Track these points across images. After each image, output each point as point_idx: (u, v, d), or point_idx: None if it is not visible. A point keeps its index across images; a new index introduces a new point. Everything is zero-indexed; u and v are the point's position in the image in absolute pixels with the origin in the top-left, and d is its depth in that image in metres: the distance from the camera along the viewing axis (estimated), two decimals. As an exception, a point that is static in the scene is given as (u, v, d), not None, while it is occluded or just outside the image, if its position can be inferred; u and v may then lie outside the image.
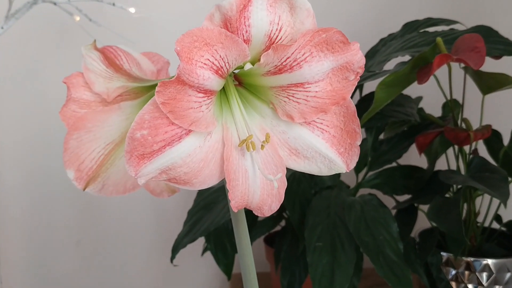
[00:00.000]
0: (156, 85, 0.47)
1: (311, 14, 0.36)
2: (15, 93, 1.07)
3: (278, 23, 0.36)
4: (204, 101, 0.36)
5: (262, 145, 0.38)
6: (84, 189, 0.47)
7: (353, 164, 0.40)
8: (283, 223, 0.92)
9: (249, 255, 0.47)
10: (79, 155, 0.47)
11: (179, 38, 0.32)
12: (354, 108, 0.39)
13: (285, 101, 0.39)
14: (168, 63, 0.55)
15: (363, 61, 0.37)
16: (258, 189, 0.39)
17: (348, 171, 0.40)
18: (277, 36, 0.36)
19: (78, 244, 1.15)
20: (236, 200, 0.38)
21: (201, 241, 0.94)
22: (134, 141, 0.35)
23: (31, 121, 1.09)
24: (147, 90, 0.49)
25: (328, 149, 0.40)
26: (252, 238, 0.86)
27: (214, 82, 0.35)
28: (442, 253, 0.80)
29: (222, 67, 0.35)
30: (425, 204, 0.81)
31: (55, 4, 0.88)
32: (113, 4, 0.89)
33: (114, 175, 0.48)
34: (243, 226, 0.44)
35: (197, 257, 1.05)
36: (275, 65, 0.37)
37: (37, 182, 1.11)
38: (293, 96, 0.38)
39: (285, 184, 0.40)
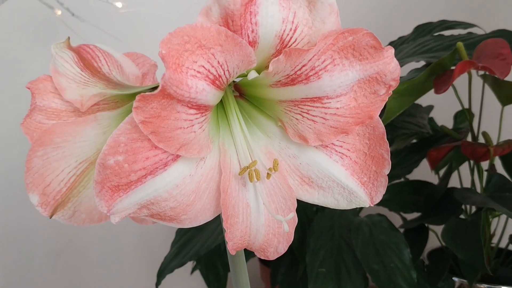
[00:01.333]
0: (138, 92, 0.40)
1: (335, 11, 0.28)
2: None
3: (292, 22, 0.28)
4: (196, 119, 0.28)
5: (268, 173, 0.31)
6: (50, 217, 0.40)
7: (378, 197, 0.33)
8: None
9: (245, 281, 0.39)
10: (45, 176, 0.39)
11: (165, 38, 0.25)
12: (383, 129, 0.32)
13: (297, 119, 0.31)
14: (156, 66, 0.47)
15: (398, 71, 0.29)
16: (262, 227, 0.31)
17: (372, 205, 0.33)
18: (290, 38, 0.28)
19: (59, 255, 1.08)
20: (235, 242, 0.30)
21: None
22: (106, 169, 0.27)
23: (7, 121, 1.01)
24: (129, 99, 0.41)
25: (348, 178, 0.32)
26: (247, 256, 0.79)
27: (210, 95, 0.27)
28: (454, 278, 0.73)
29: (220, 76, 0.27)
30: (437, 225, 0.74)
31: (33, -4, 0.80)
32: (98, -2, 0.81)
33: (88, 200, 0.40)
34: (243, 269, 0.36)
35: (186, 276, 0.97)
36: (287, 74, 0.29)
37: (13, 185, 1.03)
38: (307, 113, 0.31)
39: (295, 222, 0.32)
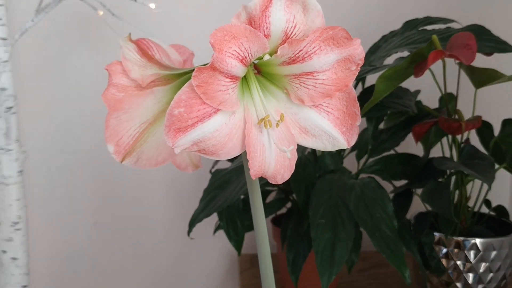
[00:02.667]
0: (183, 73, 0.55)
1: (321, 15, 0.43)
2: (39, 84, 1.14)
3: (293, 21, 0.43)
4: (230, 85, 0.43)
5: (277, 123, 0.46)
6: (121, 162, 0.55)
7: (353, 141, 0.47)
8: (289, 205, 0.99)
9: (262, 219, 0.54)
10: (118, 132, 0.54)
11: (213, 32, 0.40)
12: (355, 94, 0.46)
13: (297, 87, 0.46)
14: (193, 55, 0.62)
15: (363, 54, 0.44)
16: (273, 160, 0.46)
17: (348, 147, 0.48)
18: (292, 32, 0.43)
19: (95, 225, 1.23)
20: (255, 169, 0.45)
21: (212, 224, 1.02)
22: (172, 117, 0.42)
23: (53, 111, 1.16)
24: (176, 77, 0.56)
25: (332, 128, 0.47)
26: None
27: (239, 69, 0.42)
28: (434, 233, 0.88)
29: (246, 57, 0.42)
30: (420, 188, 0.88)
31: (81, -1, 0.95)
32: (135, 0, 0.96)
33: (147, 150, 0.55)
34: (258, 194, 0.51)
35: (208, 240, 1.13)
36: (290, 57, 0.44)
37: (57, 168, 1.19)
38: (304, 83, 0.46)
39: (295, 157, 0.47)
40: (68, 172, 1.20)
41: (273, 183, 0.47)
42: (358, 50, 0.44)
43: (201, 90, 0.41)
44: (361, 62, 0.45)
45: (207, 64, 0.41)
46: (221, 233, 1.03)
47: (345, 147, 0.47)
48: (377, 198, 0.78)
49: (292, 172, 0.47)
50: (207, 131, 0.43)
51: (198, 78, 0.41)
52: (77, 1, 0.98)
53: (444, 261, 0.87)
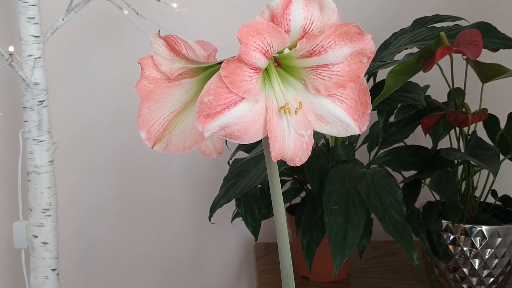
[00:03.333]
0: (208, 66, 0.60)
1: (336, 12, 0.48)
2: (67, 80, 1.20)
3: (310, 19, 0.48)
4: (254, 76, 0.48)
5: (295, 110, 0.51)
6: (152, 147, 0.60)
7: (364, 128, 0.52)
8: (303, 194, 1.04)
9: (280, 202, 0.59)
10: (149, 120, 0.59)
11: (240, 28, 0.45)
12: (366, 85, 0.51)
13: (313, 78, 0.51)
14: (216, 50, 0.67)
15: (374, 48, 0.49)
16: (292, 144, 0.51)
17: (360, 133, 0.53)
18: (309, 28, 0.48)
19: (119, 214, 1.29)
20: (275, 152, 0.50)
21: (229, 215, 1.07)
22: (202, 104, 0.48)
23: (80, 105, 1.22)
24: (202, 70, 0.61)
25: (345, 116, 0.52)
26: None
27: (262, 62, 0.48)
28: (442, 221, 0.92)
29: (268, 51, 0.47)
30: (428, 178, 0.93)
31: (108, -1, 1.01)
32: (158, 0, 1.02)
33: (176, 137, 0.61)
34: (277, 179, 0.57)
35: (225, 230, 1.18)
36: (307, 50, 0.49)
37: (84, 159, 1.25)
38: (320, 75, 0.51)
39: (312, 141, 0.52)
40: (93, 163, 1.26)
41: (291, 165, 0.52)
42: (369, 44, 0.49)
43: (228, 80, 0.46)
44: (372, 55, 0.50)
45: (234, 57, 0.46)
46: (237, 224, 1.09)
47: (357, 133, 0.52)
48: (387, 186, 0.82)
49: (309, 155, 0.52)
50: (233, 117, 0.48)
51: (226, 69, 0.46)
52: (103, 1, 1.04)
53: (451, 247, 0.91)
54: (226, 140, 0.71)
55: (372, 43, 0.49)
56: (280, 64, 0.54)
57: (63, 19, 0.97)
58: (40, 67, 0.96)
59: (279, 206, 0.59)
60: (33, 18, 0.95)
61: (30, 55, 0.95)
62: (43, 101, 0.97)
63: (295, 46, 0.49)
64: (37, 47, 0.95)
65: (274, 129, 0.50)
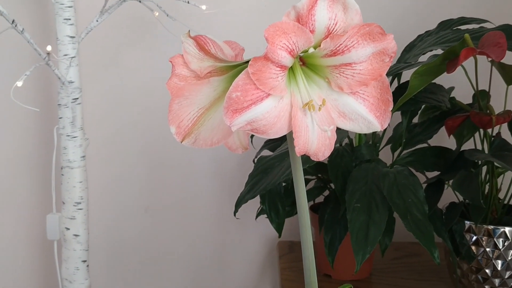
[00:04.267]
0: (236, 65, 0.63)
1: (359, 13, 0.50)
2: (99, 79, 1.25)
3: (334, 19, 0.50)
4: (279, 73, 0.50)
5: (319, 107, 0.53)
6: (181, 142, 0.63)
7: (385, 125, 0.54)
8: (326, 193, 1.06)
9: (303, 196, 0.61)
10: (179, 115, 0.62)
11: (267, 28, 0.47)
12: (388, 83, 0.53)
13: (337, 77, 0.53)
14: (243, 50, 0.70)
15: (396, 47, 0.51)
16: (316, 140, 0.53)
17: (382, 130, 0.54)
18: (333, 28, 0.50)
19: (146, 210, 1.33)
20: (299, 147, 0.52)
21: (253, 214, 1.09)
22: (230, 100, 0.50)
23: (111, 103, 1.27)
24: (230, 68, 0.64)
25: (368, 113, 0.54)
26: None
27: (288, 60, 0.50)
28: (465, 221, 0.93)
29: (293, 50, 0.50)
30: (451, 179, 0.94)
31: (139, 1, 1.05)
32: (188, 2, 1.05)
33: (204, 132, 0.63)
34: (300, 174, 0.59)
35: (248, 228, 1.21)
36: (331, 50, 0.52)
37: (113, 156, 1.30)
38: (343, 73, 0.53)
39: (334, 137, 0.54)
40: (123, 159, 1.30)
41: (315, 160, 0.54)
42: (391, 44, 0.51)
43: (256, 77, 0.49)
44: (394, 55, 0.51)
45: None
46: (261, 223, 1.11)
47: (378, 130, 0.54)
48: (409, 185, 0.84)
49: (332, 150, 0.54)
50: (259, 112, 0.51)
51: (254, 66, 0.48)
52: (135, 3, 1.07)
53: (474, 248, 0.92)
54: (252, 139, 0.74)
55: (394, 43, 0.51)
56: (305, 62, 0.56)
57: (97, 20, 1.01)
58: (75, 66, 1.00)
59: (302, 200, 0.61)
60: (69, 19, 0.99)
61: (65, 55, 1.00)
62: (77, 98, 1.02)
63: (320, 46, 0.51)
64: (72, 47, 1.00)
65: (299, 124, 0.52)
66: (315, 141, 0.53)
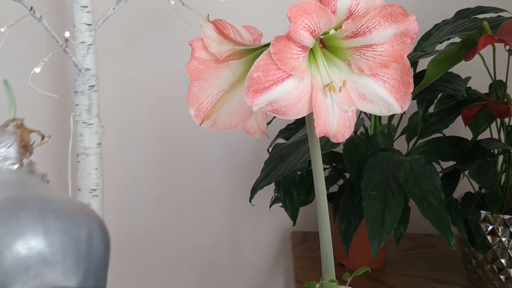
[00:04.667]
0: (255, 48, 0.63)
1: (381, -6, 0.50)
2: (114, 66, 1.25)
3: (356, 0, 0.50)
4: (301, 54, 0.50)
5: (340, 88, 0.53)
6: (200, 124, 0.63)
7: (405, 107, 0.54)
8: (340, 182, 1.06)
9: (321, 180, 0.61)
10: (199, 98, 0.62)
11: (290, 7, 0.47)
12: (409, 65, 0.53)
13: (357, 58, 0.53)
14: (261, 35, 0.70)
15: (418, 29, 0.51)
16: (336, 121, 0.53)
17: (402, 112, 0.54)
18: (355, 9, 0.51)
19: (159, 200, 1.33)
20: (319, 128, 0.53)
21: (266, 204, 1.09)
22: (251, 80, 0.50)
23: (126, 91, 1.27)
24: (249, 52, 0.64)
25: (388, 95, 0.54)
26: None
27: (309, 40, 0.50)
28: (481, 211, 0.92)
29: (315, 30, 0.50)
30: (468, 168, 0.93)
31: (156, -11, 1.05)
32: (204, -10, 1.05)
33: (223, 115, 0.64)
34: (319, 157, 0.59)
35: (262, 218, 1.21)
36: (352, 31, 0.52)
37: (127, 144, 1.30)
38: (364, 55, 0.53)
39: (354, 119, 0.54)
40: (137, 148, 1.30)
41: (335, 141, 0.54)
42: (413, 25, 0.51)
43: (277, 57, 0.49)
44: (415, 36, 0.51)
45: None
46: (274, 213, 1.11)
47: (398, 112, 0.54)
48: (425, 173, 0.83)
49: (351, 132, 0.54)
50: (280, 93, 0.51)
51: (275, 46, 0.49)
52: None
53: (489, 238, 0.92)
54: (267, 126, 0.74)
55: (416, 24, 0.51)
56: (325, 45, 0.56)
57: (113, 8, 1.01)
58: (92, 53, 1.01)
59: (320, 183, 0.61)
60: (86, 6, 1.00)
61: (82, 42, 1.00)
62: (93, 86, 1.02)
63: (341, 27, 0.51)
64: (89, 35, 1.00)
65: (319, 106, 0.52)
66: (335, 122, 0.53)
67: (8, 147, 0.50)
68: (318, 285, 0.62)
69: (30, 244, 0.39)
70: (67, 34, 0.92)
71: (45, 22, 0.94)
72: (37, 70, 0.93)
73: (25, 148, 0.53)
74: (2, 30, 0.94)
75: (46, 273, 0.40)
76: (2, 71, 1.21)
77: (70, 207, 0.44)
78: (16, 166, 0.50)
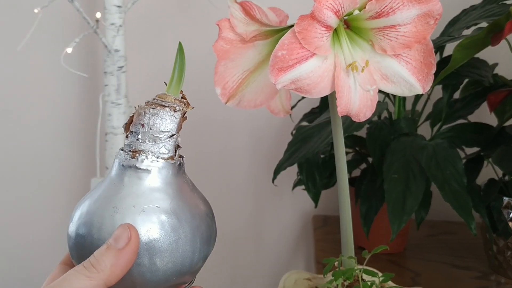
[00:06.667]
0: (280, 29, 0.64)
1: (405, -25, 0.51)
2: (143, 50, 1.28)
3: (381, -20, 0.51)
4: (325, 33, 0.52)
5: (362, 68, 0.54)
6: (226, 103, 0.65)
7: (427, 88, 0.55)
8: (363, 166, 1.07)
9: (343, 160, 0.63)
10: (225, 77, 0.64)
11: (315, -13, 0.48)
12: (432, 46, 0.54)
13: (380, 39, 0.54)
14: (287, 17, 0.71)
15: (441, 10, 0.51)
16: (357, 100, 0.55)
17: (423, 93, 0.55)
18: (379, -10, 0.51)
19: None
20: (341, 107, 0.54)
21: (288, 187, 1.11)
22: (276, 58, 0.52)
23: (154, 74, 1.30)
24: (275, 33, 0.65)
25: (410, 76, 0.55)
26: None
27: (333, 20, 0.51)
28: (504, 198, 0.92)
29: (339, 10, 0.51)
30: (492, 155, 0.93)
31: (184, -28, 1.07)
32: (231, -26, 1.06)
33: (248, 95, 0.65)
34: (341, 136, 0.60)
35: (283, 202, 1.23)
36: (376, 12, 0.52)
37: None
38: (387, 35, 0.54)
39: (376, 99, 0.55)
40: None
41: (356, 120, 0.55)
42: (437, 6, 0.51)
43: (301, 36, 0.50)
44: (439, 17, 0.52)
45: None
46: (295, 197, 1.12)
47: (420, 93, 0.55)
48: (448, 157, 0.84)
49: (373, 111, 0.55)
50: (304, 71, 0.52)
51: (300, 25, 0.50)
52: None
53: (511, 225, 0.91)
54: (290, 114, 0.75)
55: (439, 5, 0.51)
56: (348, 26, 0.57)
57: (142, -8, 1.04)
58: (121, 35, 1.03)
59: (342, 163, 0.62)
60: (117, -11, 1.02)
61: (112, 24, 1.03)
62: (122, 67, 1.05)
63: (365, 8, 0.52)
64: (119, 16, 1.03)
65: (341, 85, 0.53)
66: (357, 101, 0.54)
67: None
68: (337, 261, 0.63)
69: None
70: (98, 15, 0.94)
71: (77, 3, 0.97)
72: (69, 50, 0.96)
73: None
74: (36, 11, 0.97)
75: None
76: (35, 51, 1.25)
77: None
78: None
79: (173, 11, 1.27)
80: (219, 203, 1.37)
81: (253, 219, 1.37)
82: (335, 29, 0.55)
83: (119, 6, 1.03)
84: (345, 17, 0.55)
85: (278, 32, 0.64)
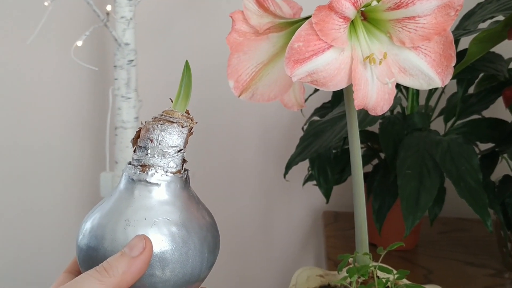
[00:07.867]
0: (295, 21, 0.63)
1: (425, -35, 0.50)
2: (153, 44, 1.27)
3: (400, -30, 0.50)
4: (342, 25, 0.50)
5: (380, 61, 0.53)
6: (239, 96, 0.64)
7: (447, 81, 0.53)
8: (374, 162, 1.05)
9: (358, 155, 0.62)
10: (238, 70, 0.63)
11: (332, -23, 0.47)
12: (452, 38, 0.52)
13: (399, 31, 0.53)
14: (301, 9, 0.70)
15: (462, 0, 0.50)
16: (375, 94, 0.53)
17: (442, 86, 0.54)
18: (398, -20, 0.50)
19: (194, 175, 1.35)
20: (358, 100, 0.53)
21: (299, 183, 1.10)
22: (292, 50, 0.51)
23: (164, 68, 1.29)
24: (289, 25, 0.64)
25: (429, 69, 0.53)
26: (350, 173, 1.00)
27: (351, 11, 0.50)
28: (519, 194, 0.91)
29: (357, 1, 0.50)
30: (507, 151, 0.91)
31: (195, -35, 1.06)
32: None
33: (261, 88, 0.64)
34: (356, 130, 0.59)
35: (294, 198, 1.22)
36: (395, 2, 0.51)
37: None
38: (406, 27, 0.52)
39: (394, 92, 0.54)
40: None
41: (373, 114, 0.54)
42: (458, -3, 0.50)
43: (318, 27, 0.49)
44: (460, 8, 0.51)
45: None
46: (306, 192, 1.11)
47: (439, 86, 0.54)
48: (463, 153, 0.82)
49: (390, 105, 0.54)
50: (320, 63, 0.51)
51: (317, 16, 0.49)
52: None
53: (526, 222, 0.90)
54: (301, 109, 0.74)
55: (460, -4, 0.50)
56: (366, 17, 0.55)
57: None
58: (131, 28, 1.02)
59: (357, 158, 0.61)
60: (127, -19, 1.01)
61: (122, 17, 1.02)
62: (132, 60, 1.04)
63: (384, -2, 0.51)
64: (129, 10, 1.02)
65: (358, 77, 0.52)
66: (374, 94, 0.53)
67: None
68: (352, 258, 0.62)
69: None
70: (108, 8, 0.93)
71: (87, -4, 0.96)
72: (79, 43, 0.95)
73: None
74: (46, 4, 0.96)
75: None
76: (45, 44, 1.24)
77: None
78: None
79: (183, 4, 1.26)
80: (229, 199, 1.37)
81: (262, 215, 1.36)
82: (352, 21, 0.54)
83: (129, -1, 1.02)
84: (362, 9, 0.54)
85: (293, 24, 0.63)
